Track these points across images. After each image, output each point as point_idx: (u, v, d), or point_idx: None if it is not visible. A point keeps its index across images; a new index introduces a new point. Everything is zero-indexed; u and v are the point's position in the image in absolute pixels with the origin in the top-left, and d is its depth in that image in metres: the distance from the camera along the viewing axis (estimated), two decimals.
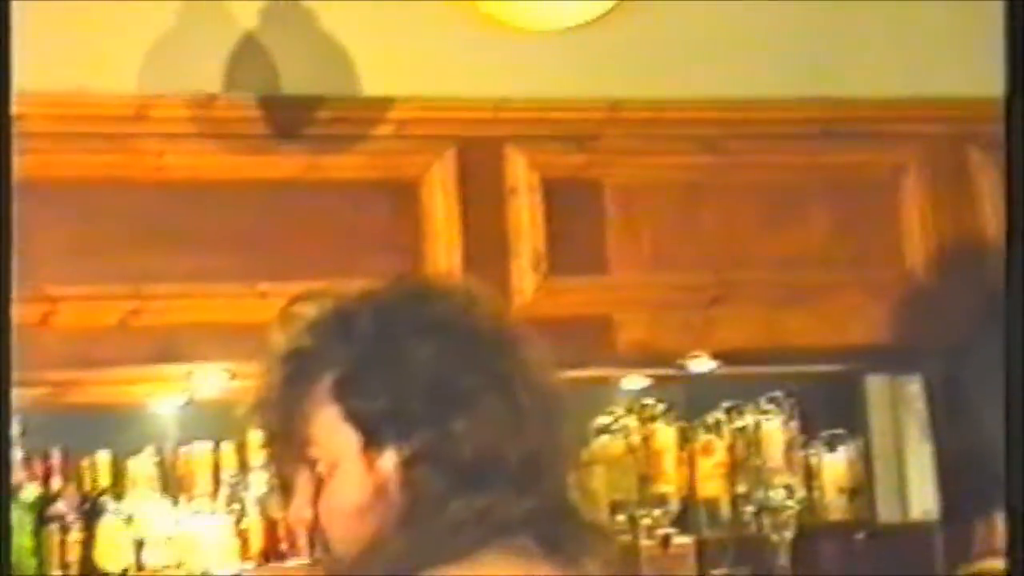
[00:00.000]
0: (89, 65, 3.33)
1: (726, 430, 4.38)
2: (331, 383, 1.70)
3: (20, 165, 3.26)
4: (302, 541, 4.05)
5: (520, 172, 3.53)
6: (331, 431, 1.70)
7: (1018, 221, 2.19)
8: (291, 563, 4.10)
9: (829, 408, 4.40)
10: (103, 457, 4.14)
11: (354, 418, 1.68)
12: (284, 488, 1.78)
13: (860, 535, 4.32)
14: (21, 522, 3.92)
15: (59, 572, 3.99)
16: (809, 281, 3.69)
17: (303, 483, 1.72)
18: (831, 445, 4.37)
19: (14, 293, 3.23)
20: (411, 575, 1.62)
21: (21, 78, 3.19)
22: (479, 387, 1.67)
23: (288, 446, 1.73)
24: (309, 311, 1.74)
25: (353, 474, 1.68)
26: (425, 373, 1.67)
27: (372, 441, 1.68)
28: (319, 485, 1.71)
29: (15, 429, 3.90)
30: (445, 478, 1.65)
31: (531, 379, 1.71)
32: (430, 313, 1.71)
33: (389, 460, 1.67)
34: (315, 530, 1.73)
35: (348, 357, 1.70)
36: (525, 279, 3.51)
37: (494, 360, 1.69)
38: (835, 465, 4.36)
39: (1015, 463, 2.08)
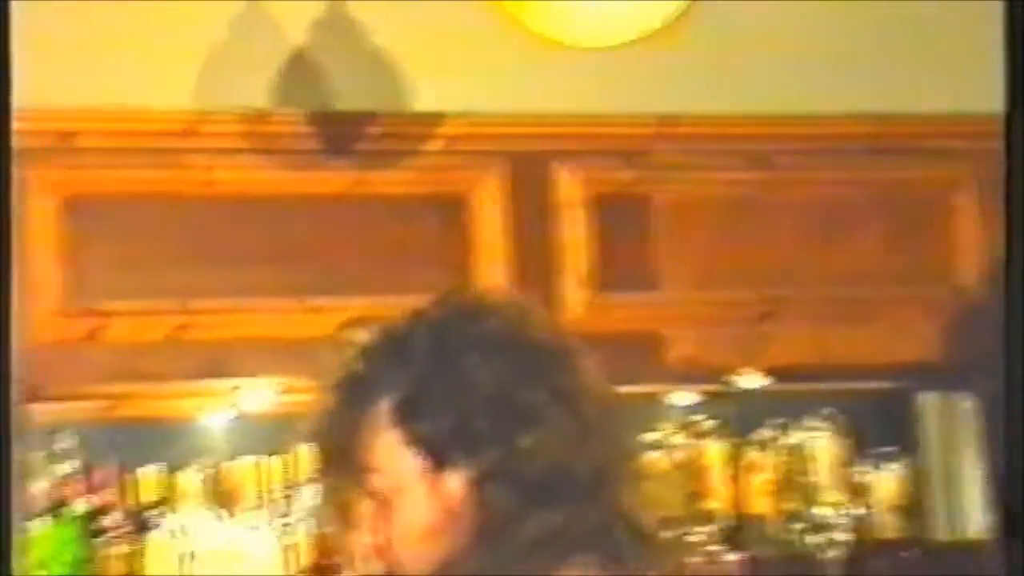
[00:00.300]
0: (140, 81, 3.34)
1: (776, 447, 4.35)
2: (390, 407, 1.66)
3: (71, 180, 3.30)
4: (349, 556, 4.05)
5: (569, 188, 3.53)
6: (393, 456, 1.66)
7: (1018, 229, 2.18)
8: None
9: (880, 425, 4.36)
10: (152, 471, 4.14)
11: (417, 440, 1.65)
12: (343, 516, 1.75)
13: (912, 553, 4.28)
14: (70, 535, 3.93)
15: None
16: (860, 298, 3.67)
17: (366, 511, 1.69)
18: (882, 463, 4.33)
19: (63, 307, 3.26)
20: None
21: (71, 95, 3.22)
22: (543, 401, 1.63)
23: (346, 474, 1.70)
24: (360, 336, 1.70)
25: (419, 497, 1.65)
26: (487, 390, 1.63)
27: (437, 462, 1.64)
28: (383, 511, 1.67)
29: (66, 443, 3.92)
30: (516, 495, 1.61)
31: (593, 391, 1.67)
32: (484, 329, 1.67)
33: (456, 480, 1.64)
34: (383, 557, 1.69)
35: (406, 379, 1.66)
36: (574, 295, 3.50)
37: (555, 373, 1.66)
38: (887, 483, 4.32)
39: (1015, 463, 2.06)
